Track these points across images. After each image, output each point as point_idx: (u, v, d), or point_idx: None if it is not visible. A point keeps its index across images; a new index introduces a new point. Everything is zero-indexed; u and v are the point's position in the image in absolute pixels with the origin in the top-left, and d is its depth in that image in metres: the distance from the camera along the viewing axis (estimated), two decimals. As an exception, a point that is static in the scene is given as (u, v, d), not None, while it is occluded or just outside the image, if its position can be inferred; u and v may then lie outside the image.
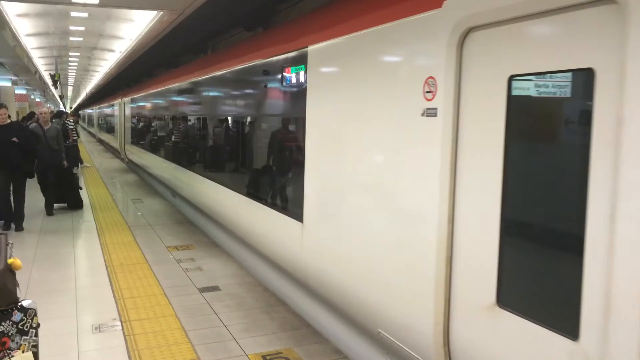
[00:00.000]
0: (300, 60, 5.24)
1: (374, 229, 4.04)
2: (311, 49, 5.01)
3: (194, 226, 9.97)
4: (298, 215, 5.24)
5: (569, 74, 2.70)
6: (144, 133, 16.27)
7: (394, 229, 3.78)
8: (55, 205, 10.99)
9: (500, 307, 2.96)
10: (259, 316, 5.56)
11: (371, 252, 4.05)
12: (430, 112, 3.36)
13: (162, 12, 9.44)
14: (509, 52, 2.90)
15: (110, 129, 28.28)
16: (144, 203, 12.36)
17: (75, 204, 11.36)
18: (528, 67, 2.80)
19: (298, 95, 5.33)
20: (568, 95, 2.84)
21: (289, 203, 5.84)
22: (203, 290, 6.34)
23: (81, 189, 11.13)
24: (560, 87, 2.87)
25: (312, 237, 5.04)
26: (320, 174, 4.93)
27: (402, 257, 3.69)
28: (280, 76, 5.79)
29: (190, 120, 10.77)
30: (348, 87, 4.40)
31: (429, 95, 3.38)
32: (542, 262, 2.93)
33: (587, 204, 2.45)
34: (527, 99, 2.94)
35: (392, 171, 3.83)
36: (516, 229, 2.99)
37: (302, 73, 5.26)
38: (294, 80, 5.50)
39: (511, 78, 2.88)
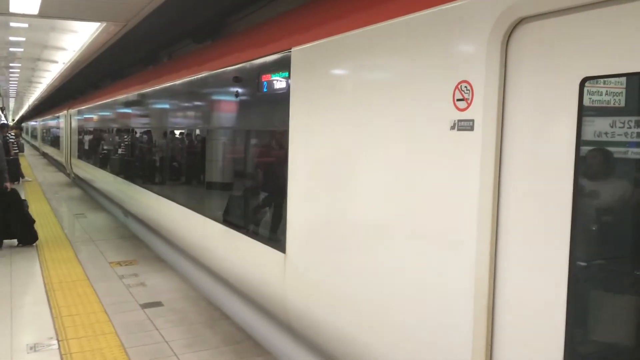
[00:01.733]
0: (282, 65, 4.42)
1: (382, 272, 3.24)
2: (296, 50, 4.19)
3: (138, 240, 9.42)
4: (279, 244, 4.40)
5: None
6: (93, 147, 15.86)
7: (412, 275, 3.00)
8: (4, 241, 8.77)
9: None
10: (201, 331, 5.34)
11: (382, 295, 3.25)
12: (464, 125, 2.65)
13: (105, 24, 9.33)
14: (580, 48, 2.23)
15: (55, 142, 27.41)
16: (88, 218, 11.66)
17: (28, 239, 8.89)
18: (607, 68, 2.16)
19: (278, 105, 4.48)
20: None
21: (269, 230, 4.99)
22: (145, 306, 6.03)
23: (34, 221, 8.99)
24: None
25: (298, 271, 4.17)
26: (307, 200, 4.09)
27: (430, 305, 2.90)
28: (255, 84, 5.01)
29: (145, 135, 9.86)
30: (345, 94, 3.62)
31: (462, 104, 2.66)
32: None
33: None
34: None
35: (406, 198, 3.04)
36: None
37: (283, 79, 4.46)
38: (272, 88, 4.71)
39: (584, 81, 2.23)
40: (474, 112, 2.61)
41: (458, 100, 2.70)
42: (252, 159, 5.68)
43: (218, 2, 7.04)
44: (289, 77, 4.30)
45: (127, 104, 11.01)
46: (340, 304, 3.64)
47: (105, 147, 13.70)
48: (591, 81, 2.25)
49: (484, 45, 2.54)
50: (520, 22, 2.43)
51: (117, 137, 12.40)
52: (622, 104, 2.39)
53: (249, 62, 5.15)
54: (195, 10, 7.52)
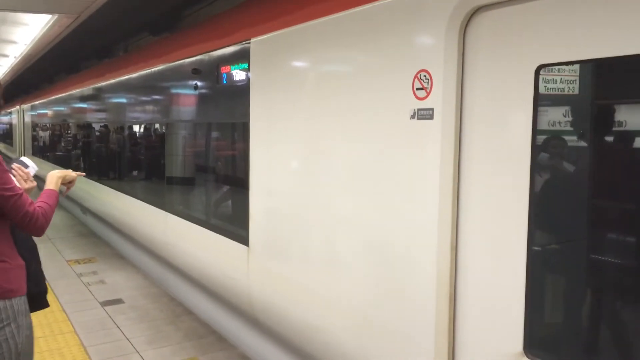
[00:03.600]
0: (241, 56, 4.37)
1: (344, 259, 3.25)
2: (255, 41, 4.13)
3: (97, 238, 9.24)
4: (243, 238, 4.36)
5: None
6: (47, 142, 15.37)
7: (375, 261, 3.00)
8: None
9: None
10: (163, 327, 5.26)
11: (344, 285, 3.24)
12: (424, 114, 2.64)
13: (57, 16, 9.04)
14: (535, 36, 2.24)
15: (6, 138, 26.52)
16: (44, 215, 11.64)
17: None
18: (561, 55, 2.18)
19: (238, 97, 4.42)
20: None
21: (231, 223, 4.92)
22: (105, 303, 5.93)
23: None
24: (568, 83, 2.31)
25: (262, 264, 4.14)
26: (270, 189, 4.04)
27: (391, 292, 2.91)
28: (214, 76, 4.92)
29: (103, 129, 9.63)
30: (305, 85, 3.60)
31: (421, 93, 2.65)
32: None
33: None
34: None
35: (368, 188, 3.04)
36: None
37: (243, 71, 4.39)
38: (231, 80, 4.63)
39: (539, 69, 2.24)
40: (433, 101, 2.61)
41: (417, 89, 2.70)
42: (213, 152, 5.60)
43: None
44: (248, 69, 4.25)
45: (83, 98, 10.72)
46: (304, 295, 3.63)
47: (60, 143, 13.31)
48: (546, 69, 2.26)
49: (442, 34, 2.54)
50: (477, 10, 2.43)
51: (73, 133, 12.06)
52: (576, 91, 2.41)
53: (207, 54, 5.06)
54: (151, 2, 7.36)
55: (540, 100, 2.28)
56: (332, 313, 3.36)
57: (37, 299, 2.87)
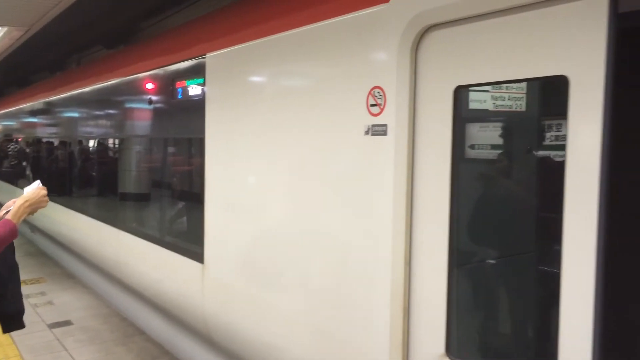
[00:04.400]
0: (197, 71, 4.32)
1: (301, 275, 3.23)
2: (211, 56, 4.11)
3: (46, 258, 8.98)
4: (197, 255, 4.27)
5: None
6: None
7: (333, 276, 2.99)
8: None
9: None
10: (114, 348, 5.12)
11: (300, 301, 3.23)
12: (378, 130, 2.67)
13: (6, 28, 8.81)
14: (454, 59, 2.40)
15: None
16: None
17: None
18: (476, 78, 2.33)
19: (194, 112, 4.35)
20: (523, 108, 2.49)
21: (186, 241, 4.83)
22: (53, 326, 5.74)
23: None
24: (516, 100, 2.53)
25: (217, 281, 4.07)
26: (226, 205, 3.98)
27: (347, 307, 2.90)
28: (169, 90, 4.86)
29: (53, 145, 9.40)
30: (261, 100, 3.60)
31: (375, 110, 2.69)
32: None
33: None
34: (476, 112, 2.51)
35: (324, 204, 3.04)
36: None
37: (198, 86, 4.35)
38: (187, 95, 4.58)
39: (457, 89, 2.39)
40: (387, 117, 2.64)
41: (372, 105, 2.73)
42: (168, 168, 5.51)
43: (129, 8, 6.80)
44: (204, 84, 4.21)
45: (33, 112, 10.42)
46: (260, 312, 3.59)
47: (8, 158, 12.84)
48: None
49: (394, 51, 2.59)
50: (429, 29, 2.50)
51: (22, 148, 11.67)
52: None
53: (163, 68, 4.99)
54: (106, 14, 7.23)
55: (489, 117, 2.42)
56: (290, 330, 3.33)
57: (15, 319, 2.70)
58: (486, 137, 2.68)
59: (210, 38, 4.28)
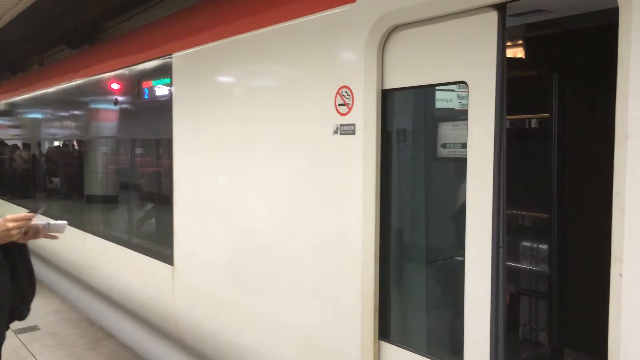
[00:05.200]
0: (163, 71, 4.27)
1: (273, 274, 3.24)
2: (178, 56, 4.07)
3: None
4: (167, 257, 4.23)
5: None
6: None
7: (304, 274, 3.01)
8: None
9: None
10: (83, 353, 5.00)
11: (273, 301, 3.25)
12: (346, 129, 2.70)
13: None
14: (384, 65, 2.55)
15: None
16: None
17: None
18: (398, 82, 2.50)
19: (161, 112, 4.30)
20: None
21: (155, 243, 4.77)
22: (19, 331, 5.57)
23: None
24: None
25: (187, 283, 4.04)
26: (194, 210, 3.97)
27: (322, 306, 2.93)
28: (135, 91, 4.79)
29: (15, 146, 9.23)
30: (230, 99, 3.59)
31: (343, 109, 2.71)
32: None
33: None
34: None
35: (293, 204, 3.06)
36: None
37: (165, 86, 4.30)
38: (153, 95, 4.53)
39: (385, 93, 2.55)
40: (355, 116, 2.66)
41: (340, 105, 2.75)
42: (135, 170, 5.44)
43: (91, 7, 6.68)
44: (170, 84, 4.17)
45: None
46: (233, 314, 3.58)
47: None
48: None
49: (361, 51, 2.61)
50: (395, 29, 2.52)
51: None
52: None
53: (128, 68, 4.93)
54: (68, 14, 7.10)
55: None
56: (263, 331, 3.33)
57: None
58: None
59: (176, 37, 4.24)
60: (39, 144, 8.17)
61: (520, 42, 3.57)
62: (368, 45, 2.58)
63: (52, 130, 7.55)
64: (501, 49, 2.13)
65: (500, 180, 2.13)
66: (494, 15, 2.14)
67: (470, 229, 2.23)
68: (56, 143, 7.77)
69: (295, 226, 3.05)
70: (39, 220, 2.21)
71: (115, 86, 5.30)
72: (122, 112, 5.28)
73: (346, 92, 2.71)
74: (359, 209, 2.65)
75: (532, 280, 3.79)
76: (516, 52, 3.59)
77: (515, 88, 2.42)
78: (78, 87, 6.13)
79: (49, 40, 8.81)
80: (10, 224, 2.16)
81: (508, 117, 2.73)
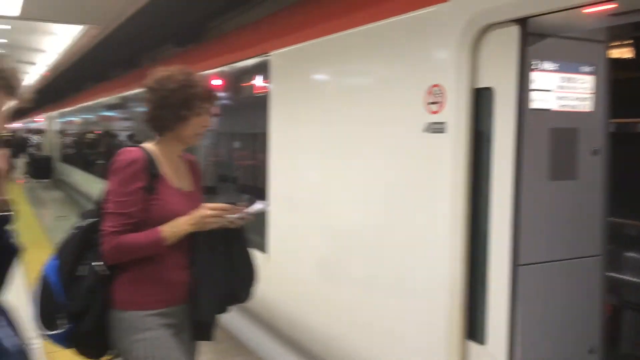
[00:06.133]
0: (261, 68, 4.47)
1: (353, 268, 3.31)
2: (275, 54, 4.23)
3: None
4: (261, 246, 4.32)
5: None
6: (76, 150, 15.55)
7: (394, 271, 3.03)
8: None
9: None
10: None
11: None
12: (436, 128, 2.70)
13: (86, 27, 9.31)
14: None
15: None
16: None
17: None
18: None
19: (258, 109, 4.47)
20: None
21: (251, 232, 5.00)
22: None
23: None
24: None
25: (279, 269, 4.17)
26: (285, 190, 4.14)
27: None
28: (235, 87, 5.05)
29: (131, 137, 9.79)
30: (322, 97, 3.73)
31: (434, 107, 2.73)
32: None
33: None
34: None
35: (381, 199, 3.13)
36: None
37: (263, 83, 4.53)
38: (251, 91, 4.77)
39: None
40: (446, 115, 2.67)
41: (430, 103, 2.77)
42: (232, 163, 5.69)
43: (199, 7, 7.06)
44: (268, 81, 4.35)
45: (110, 107, 10.98)
46: (317, 303, 3.72)
47: (87, 150, 13.54)
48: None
49: (454, 49, 2.63)
50: (489, 27, 2.50)
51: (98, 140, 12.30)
52: None
53: (229, 66, 5.19)
54: (176, 14, 7.54)
55: None
56: (348, 322, 3.43)
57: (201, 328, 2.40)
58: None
59: (274, 36, 4.42)
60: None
61: (628, 42, 3.35)
62: (461, 44, 2.58)
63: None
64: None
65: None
66: None
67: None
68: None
69: (382, 222, 3.12)
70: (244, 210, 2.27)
71: (217, 82, 5.60)
72: (223, 107, 5.56)
73: (437, 90, 2.71)
74: (447, 207, 2.66)
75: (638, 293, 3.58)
76: (623, 52, 3.39)
77: (622, 91, 2.30)
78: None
79: (157, 39, 9.37)
80: (206, 212, 2.20)
81: (614, 120, 2.65)
